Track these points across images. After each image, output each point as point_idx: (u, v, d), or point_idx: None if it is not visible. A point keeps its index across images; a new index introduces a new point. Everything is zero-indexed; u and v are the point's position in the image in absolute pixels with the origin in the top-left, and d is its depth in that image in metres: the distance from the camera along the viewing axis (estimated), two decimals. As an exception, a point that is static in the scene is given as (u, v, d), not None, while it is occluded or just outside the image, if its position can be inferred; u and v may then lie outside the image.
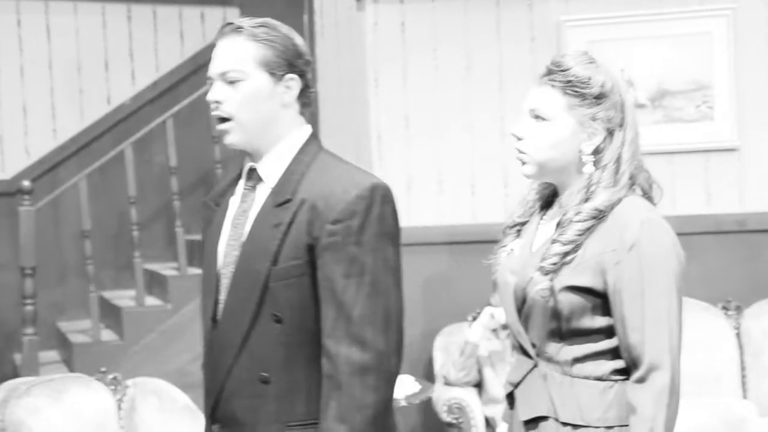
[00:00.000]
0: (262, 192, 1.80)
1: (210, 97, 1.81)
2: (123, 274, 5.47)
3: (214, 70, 1.82)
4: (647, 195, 1.88)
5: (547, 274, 1.79)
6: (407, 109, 4.44)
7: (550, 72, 1.86)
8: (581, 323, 1.80)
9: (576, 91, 1.83)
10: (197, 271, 5.07)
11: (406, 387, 3.78)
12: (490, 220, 4.27)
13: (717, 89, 4.33)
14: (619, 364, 1.81)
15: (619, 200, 1.81)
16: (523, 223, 1.97)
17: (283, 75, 1.81)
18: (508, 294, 1.90)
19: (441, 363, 4.14)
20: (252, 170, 1.82)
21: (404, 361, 4.46)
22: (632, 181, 1.85)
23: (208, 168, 5.55)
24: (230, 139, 1.81)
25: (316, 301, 1.72)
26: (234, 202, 1.85)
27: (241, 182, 1.85)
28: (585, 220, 1.79)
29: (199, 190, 5.79)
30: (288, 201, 1.75)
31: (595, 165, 1.84)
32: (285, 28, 1.91)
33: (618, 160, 1.83)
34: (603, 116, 1.83)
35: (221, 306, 1.79)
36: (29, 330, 4.61)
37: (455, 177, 4.42)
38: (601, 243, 1.78)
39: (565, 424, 1.79)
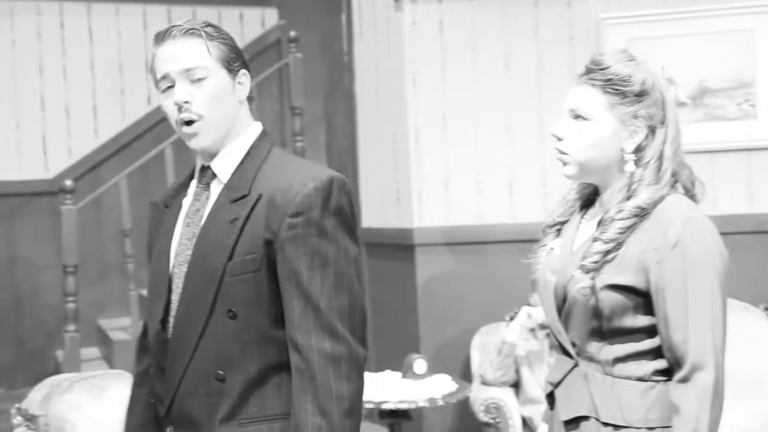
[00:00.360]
0: (216, 189, 1.78)
1: (178, 97, 1.71)
2: (163, 273, 5.53)
3: (174, 68, 1.71)
4: (690, 193, 1.86)
5: (588, 272, 1.78)
6: (445, 109, 4.43)
7: (589, 71, 1.85)
8: (623, 322, 1.79)
9: (616, 90, 1.81)
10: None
11: (443, 386, 3.78)
12: (529, 220, 4.25)
13: (759, 87, 4.27)
14: (661, 364, 1.79)
15: (662, 198, 1.80)
16: (563, 223, 1.96)
17: (238, 71, 1.79)
18: (549, 293, 1.89)
19: (478, 362, 4.13)
20: (204, 168, 1.79)
21: (442, 360, 4.47)
22: (674, 179, 1.84)
23: (246, 167, 5.59)
24: (201, 143, 1.74)
25: (271, 296, 1.70)
26: (186, 202, 1.83)
27: (194, 182, 1.83)
28: (627, 218, 1.78)
29: (238, 189, 5.84)
30: (244, 196, 1.72)
31: (636, 163, 1.83)
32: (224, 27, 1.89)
33: (660, 158, 1.82)
34: (644, 114, 1.82)
35: (174, 306, 1.76)
36: (71, 327, 4.67)
37: (493, 176, 4.41)
38: (643, 241, 1.77)
39: (606, 424, 1.78)
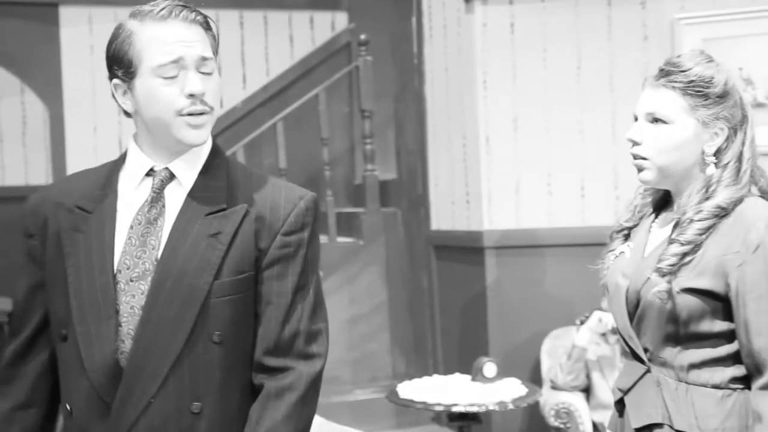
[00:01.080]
0: (176, 197, 1.60)
1: (199, 89, 1.54)
2: (233, 274, 5.61)
3: (191, 53, 1.54)
4: (767, 196, 1.82)
5: (664, 275, 1.74)
6: (516, 111, 4.40)
7: (668, 73, 1.81)
8: (700, 327, 1.74)
9: (699, 92, 1.78)
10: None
11: (512, 390, 3.75)
12: (600, 223, 4.19)
13: (842, 87, 4.13)
14: (739, 371, 1.74)
15: (741, 199, 1.76)
16: (631, 228, 1.92)
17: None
18: (620, 297, 1.84)
19: (548, 366, 4.08)
20: (152, 171, 1.61)
21: (511, 364, 4.44)
22: (753, 181, 1.80)
23: (316, 170, 5.64)
24: (204, 137, 1.59)
25: (255, 317, 1.59)
26: (126, 207, 1.60)
27: (133, 185, 1.61)
28: (706, 219, 1.74)
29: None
30: (223, 209, 1.58)
31: (716, 165, 1.79)
32: None
33: (740, 159, 1.78)
34: (726, 115, 1.79)
35: (127, 329, 1.54)
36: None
37: (564, 179, 4.36)
38: (722, 244, 1.73)
39: None
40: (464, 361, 4.21)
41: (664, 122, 1.79)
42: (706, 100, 1.78)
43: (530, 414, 4.30)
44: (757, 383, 1.70)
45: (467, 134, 4.53)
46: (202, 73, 1.55)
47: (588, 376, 3.84)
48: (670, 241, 1.77)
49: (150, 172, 1.61)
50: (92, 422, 1.56)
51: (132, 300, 1.55)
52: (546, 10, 4.35)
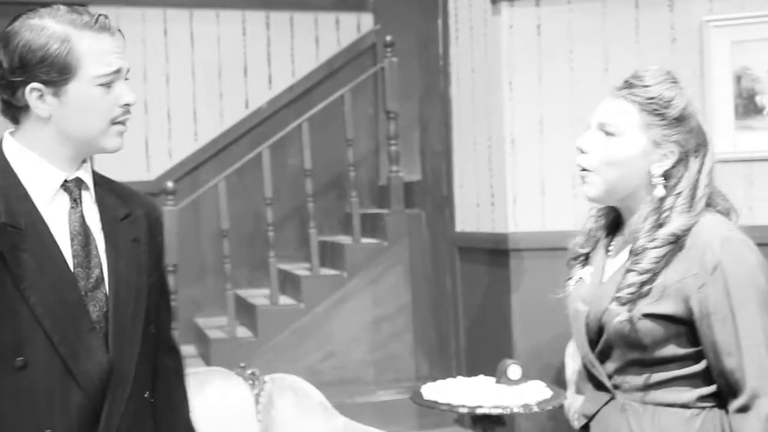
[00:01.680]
0: (87, 206, 1.62)
1: (132, 98, 1.59)
2: (256, 274, 5.65)
3: (124, 66, 1.59)
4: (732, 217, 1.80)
5: (624, 304, 1.71)
6: (542, 113, 4.39)
7: (630, 86, 1.77)
8: (665, 351, 1.71)
9: (656, 110, 1.74)
10: (330, 271, 5.19)
11: (537, 392, 3.74)
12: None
13: None
14: (707, 390, 1.71)
15: (696, 223, 1.72)
16: (588, 253, 1.89)
17: None
18: (580, 323, 1.81)
19: (572, 370, 4.07)
20: (68, 181, 1.60)
21: (535, 367, 4.42)
22: (709, 206, 1.76)
23: (341, 171, 5.66)
24: (121, 145, 1.65)
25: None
26: (50, 220, 1.57)
27: (45, 197, 1.57)
28: (660, 246, 1.70)
29: (332, 192, 5.91)
30: (128, 215, 1.67)
31: (666, 189, 1.75)
32: None
33: (695, 187, 1.74)
34: (679, 139, 1.75)
35: (100, 334, 1.58)
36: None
37: (590, 181, 4.34)
38: (680, 268, 1.69)
39: None
40: (488, 363, 4.20)
41: (614, 134, 1.75)
42: (662, 120, 1.74)
43: (554, 417, 4.28)
44: (734, 406, 1.67)
45: (493, 136, 4.53)
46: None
47: None
48: (627, 270, 1.74)
49: (63, 183, 1.60)
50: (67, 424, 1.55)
51: (96, 309, 1.58)
52: (573, 11, 4.33)
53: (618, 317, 1.71)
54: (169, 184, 4.92)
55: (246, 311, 5.20)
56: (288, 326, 4.94)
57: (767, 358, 1.64)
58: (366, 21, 6.10)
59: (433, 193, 5.14)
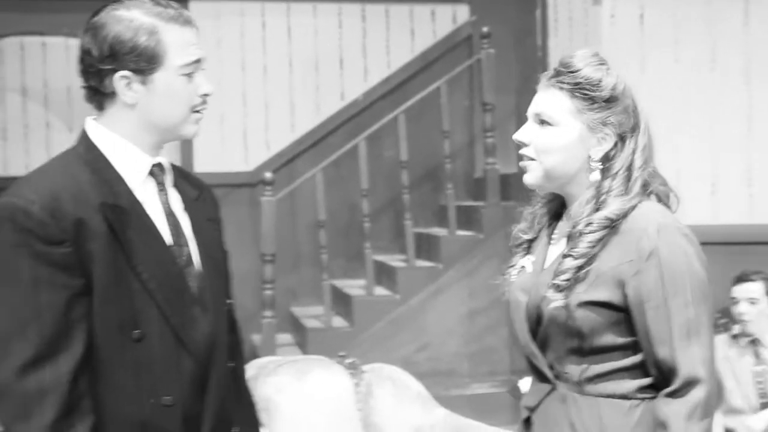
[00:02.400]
0: (169, 186, 1.70)
1: (210, 89, 1.68)
2: (352, 264, 5.70)
3: (202, 56, 1.67)
4: (664, 203, 1.74)
5: (561, 291, 1.67)
6: (644, 106, 4.30)
7: (558, 73, 1.73)
8: (603, 340, 1.67)
9: (585, 94, 1.70)
10: (425, 263, 5.20)
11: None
12: (733, 221, 4.06)
13: None
14: (646, 380, 1.67)
15: (633, 208, 1.67)
16: (532, 240, 1.84)
17: None
18: (520, 314, 1.77)
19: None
20: (154, 166, 1.68)
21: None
22: (646, 189, 1.72)
23: (437, 162, 5.66)
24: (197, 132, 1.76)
25: None
26: (147, 199, 1.65)
27: (137, 181, 1.64)
28: (596, 231, 1.67)
29: (427, 184, 5.92)
30: (199, 195, 1.76)
31: (604, 173, 1.71)
32: None
33: (630, 168, 1.70)
34: (614, 121, 1.70)
35: (198, 308, 1.67)
36: (268, 313, 4.91)
37: (694, 176, 4.23)
38: (616, 254, 1.66)
39: None
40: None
41: (549, 124, 1.72)
42: (593, 103, 1.70)
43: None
44: (664, 391, 1.63)
45: (593, 128, 4.46)
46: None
47: (719, 381, 3.72)
48: (564, 256, 1.70)
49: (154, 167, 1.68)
50: (193, 406, 1.64)
51: (192, 283, 1.66)
52: (678, 0, 4.23)
53: (553, 303, 1.68)
54: (267, 175, 5.01)
55: (342, 301, 5.26)
56: (383, 317, 4.98)
57: (698, 348, 1.62)
58: (462, 12, 6.08)
59: (530, 185, 5.09)
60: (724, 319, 3.78)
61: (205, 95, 1.66)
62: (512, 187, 5.28)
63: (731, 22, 4.17)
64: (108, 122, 1.64)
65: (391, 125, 5.31)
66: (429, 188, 5.92)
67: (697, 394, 1.61)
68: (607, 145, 1.71)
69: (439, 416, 3.30)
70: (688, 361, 1.61)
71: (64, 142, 7.03)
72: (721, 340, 3.66)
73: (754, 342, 3.62)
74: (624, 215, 1.67)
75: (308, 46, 5.93)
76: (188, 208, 1.71)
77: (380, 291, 5.20)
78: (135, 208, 1.61)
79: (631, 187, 1.69)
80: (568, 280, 1.67)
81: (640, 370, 1.68)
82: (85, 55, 1.62)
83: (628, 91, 1.75)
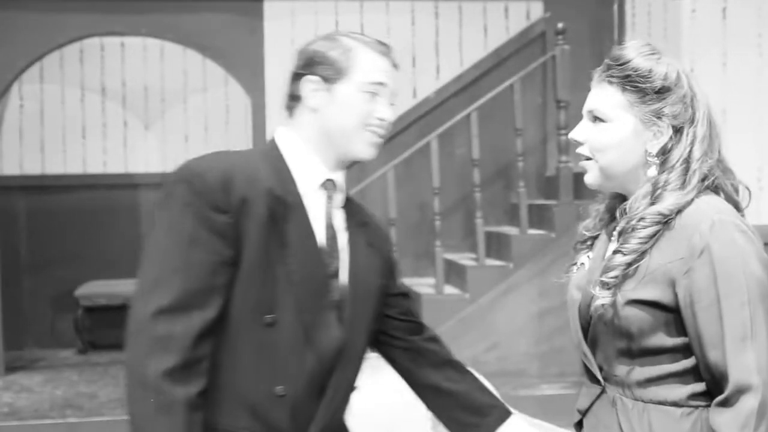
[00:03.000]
0: (337, 203, 1.76)
1: (390, 115, 1.76)
2: (421, 262, 5.68)
3: (390, 85, 1.78)
4: (732, 199, 1.63)
5: (609, 288, 1.60)
6: (725, 102, 4.17)
7: (608, 67, 1.66)
8: (652, 341, 1.59)
9: (636, 87, 1.62)
10: (495, 262, 5.15)
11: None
12: None
13: None
14: (699, 387, 1.58)
15: (689, 203, 1.58)
16: (595, 238, 1.77)
17: None
18: (574, 312, 1.71)
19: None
20: (328, 180, 1.74)
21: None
22: (709, 183, 1.61)
23: (509, 160, 5.60)
24: (374, 155, 1.82)
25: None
26: (311, 208, 1.71)
27: (308, 189, 1.71)
28: (648, 226, 1.58)
29: (499, 182, 5.86)
30: (366, 223, 1.83)
31: (661, 167, 1.62)
32: None
33: (687, 160, 1.60)
34: (668, 112, 1.61)
35: (339, 318, 1.72)
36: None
37: (777, 173, 4.10)
38: (668, 251, 1.57)
39: None
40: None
41: (603, 120, 1.65)
42: (644, 95, 1.62)
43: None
44: (717, 399, 1.54)
45: (670, 126, 4.36)
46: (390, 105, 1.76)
47: None
48: (615, 252, 1.62)
49: (324, 181, 1.75)
50: (306, 403, 1.67)
51: (333, 292, 1.71)
52: (762, -6, 4.10)
53: (599, 300, 1.61)
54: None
55: (412, 299, 5.23)
56: (453, 316, 4.95)
57: (752, 352, 1.51)
58: (535, 9, 6.00)
59: (604, 184, 5.00)
60: None
61: (382, 120, 1.73)
62: (584, 185, 5.18)
63: (818, 15, 4.02)
64: (294, 126, 1.76)
65: (463, 123, 5.28)
66: (500, 186, 5.86)
67: (750, 402, 1.51)
68: (664, 138, 1.64)
69: (508, 416, 3.25)
70: (741, 367, 1.52)
71: (140, 140, 7.22)
72: None
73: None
74: (679, 210, 1.60)
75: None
76: (350, 229, 1.77)
77: (450, 290, 5.16)
78: (298, 207, 1.69)
79: (689, 180, 1.61)
80: (616, 277, 1.61)
81: (692, 375, 1.61)
82: (294, 65, 1.76)
83: (683, 79, 1.66)
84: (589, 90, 5.44)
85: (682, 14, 4.22)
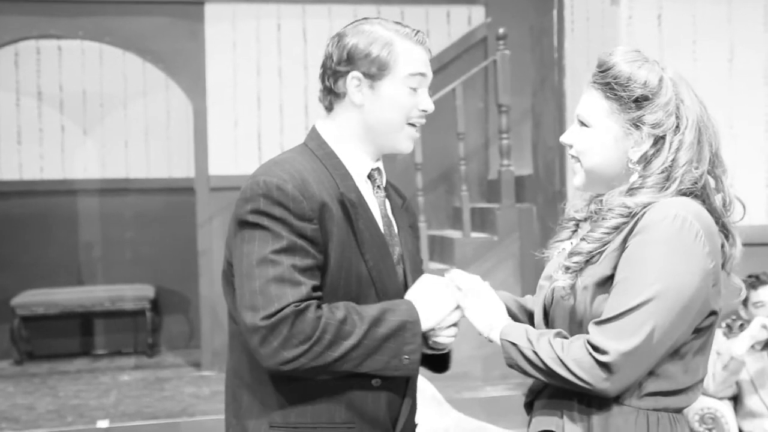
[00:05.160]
0: (382, 190, 1.82)
1: (431, 106, 1.78)
2: (366, 267, 5.67)
3: (429, 75, 1.80)
4: (716, 211, 1.63)
5: (570, 272, 1.63)
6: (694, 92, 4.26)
7: (594, 74, 1.68)
8: None
9: (615, 95, 1.63)
10: (439, 265, 5.17)
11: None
12: (749, 222, 4.00)
13: None
14: (649, 387, 1.59)
15: (658, 201, 1.60)
16: (581, 220, 1.79)
17: None
18: (539, 298, 1.75)
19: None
20: (373, 169, 1.80)
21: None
22: (695, 190, 1.62)
23: (451, 164, 5.63)
24: (412, 148, 1.88)
25: None
26: (371, 200, 1.78)
27: (360, 180, 1.76)
28: (614, 218, 1.61)
29: (442, 186, 5.89)
30: (403, 203, 1.88)
31: (642, 174, 1.64)
32: None
33: (670, 168, 1.61)
34: (648, 121, 1.62)
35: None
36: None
37: (712, 177, 4.19)
38: (621, 238, 1.61)
39: None
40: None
41: (587, 126, 1.68)
42: (623, 104, 1.63)
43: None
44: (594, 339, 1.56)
45: (609, 130, 4.43)
46: None
47: (738, 384, 3.67)
48: (582, 238, 1.66)
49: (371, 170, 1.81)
50: (395, 395, 1.76)
51: (399, 281, 1.77)
52: (696, 1, 4.19)
53: (559, 283, 1.64)
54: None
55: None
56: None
57: (613, 331, 1.53)
58: (477, 14, 6.06)
59: (545, 187, 5.06)
60: (739, 321, 3.73)
61: (424, 111, 1.75)
62: (527, 189, 5.25)
63: (750, 21, 4.13)
64: (335, 120, 1.77)
65: (406, 127, 5.29)
66: (443, 190, 5.90)
67: (600, 357, 1.53)
68: (645, 146, 1.64)
69: (452, 419, 3.27)
70: (605, 333, 1.53)
71: (78, 145, 7.07)
72: (746, 345, 3.58)
73: (770, 345, 3.57)
74: (646, 206, 1.60)
75: (323, 48, 5.90)
76: (396, 213, 1.83)
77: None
78: (361, 202, 1.74)
79: (669, 186, 1.61)
80: (577, 262, 1.63)
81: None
82: (327, 59, 1.76)
83: (666, 86, 1.64)
84: (529, 94, 5.49)
85: (619, 21, 4.29)
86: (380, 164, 1.80)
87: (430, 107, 1.75)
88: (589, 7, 4.57)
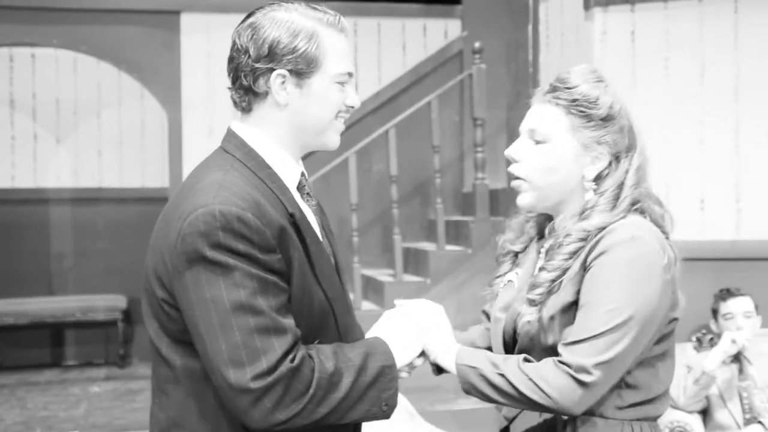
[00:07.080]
0: (312, 200, 1.68)
1: (357, 102, 1.66)
2: (340, 278, 5.67)
3: (353, 69, 1.69)
4: (659, 225, 1.67)
5: (535, 305, 1.63)
6: (635, 121, 4.30)
7: (554, 89, 1.69)
8: None
9: (582, 112, 1.65)
10: (413, 278, 5.17)
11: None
12: (720, 237, 4.05)
13: None
14: (627, 399, 1.62)
15: (613, 222, 1.62)
16: (519, 252, 1.80)
17: None
18: (498, 330, 1.74)
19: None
20: (302, 174, 1.66)
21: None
22: (638, 207, 1.66)
23: (426, 177, 5.64)
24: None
25: None
26: (308, 211, 1.62)
27: (293, 188, 1.62)
28: (572, 243, 1.62)
29: (416, 198, 5.90)
30: (317, 204, 1.69)
31: (595, 191, 1.67)
32: None
33: (620, 186, 1.65)
34: (609, 140, 1.66)
35: (352, 317, 1.69)
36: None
37: (683, 190, 4.23)
38: (579, 261, 1.62)
39: None
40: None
41: (543, 141, 1.68)
42: (589, 121, 1.66)
43: None
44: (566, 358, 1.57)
45: (582, 144, 4.46)
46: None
47: (707, 397, 3.69)
48: (540, 269, 1.66)
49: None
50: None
51: (348, 300, 1.68)
52: (669, 17, 4.24)
53: (525, 317, 1.64)
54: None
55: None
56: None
57: (602, 343, 1.55)
58: (453, 28, 6.09)
59: (519, 201, 5.08)
60: (709, 335, 3.75)
61: (351, 107, 1.63)
62: (501, 202, 5.26)
63: (721, 38, 4.18)
64: (257, 123, 1.60)
65: (381, 140, 5.30)
66: (418, 203, 5.91)
67: (583, 378, 1.54)
68: (601, 165, 1.67)
69: (424, 431, 3.27)
70: (580, 352, 1.54)
71: (51, 154, 7.01)
72: (718, 360, 3.59)
73: (739, 358, 3.60)
74: (602, 228, 1.62)
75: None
76: (319, 216, 1.67)
77: (367, 305, 5.16)
78: (305, 220, 1.58)
79: (619, 204, 1.65)
80: (541, 294, 1.63)
81: (618, 387, 1.62)
82: (239, 54, 1.56)
83: (624, 110, 1.70)
84: (504, 108, 5.51)
85: (593, 36, 4.33)
86: (302, 166, 1.66)
87: (357, 103, 1.64)
88: (563, 22, 4.61)
